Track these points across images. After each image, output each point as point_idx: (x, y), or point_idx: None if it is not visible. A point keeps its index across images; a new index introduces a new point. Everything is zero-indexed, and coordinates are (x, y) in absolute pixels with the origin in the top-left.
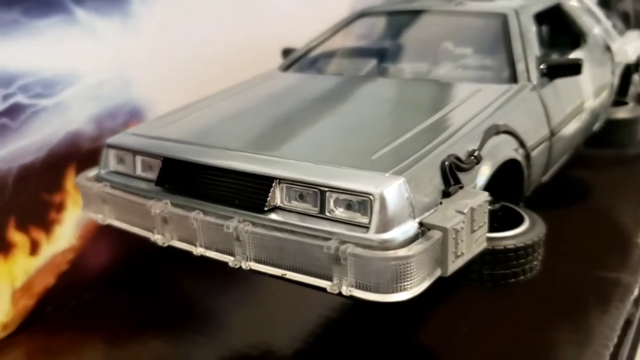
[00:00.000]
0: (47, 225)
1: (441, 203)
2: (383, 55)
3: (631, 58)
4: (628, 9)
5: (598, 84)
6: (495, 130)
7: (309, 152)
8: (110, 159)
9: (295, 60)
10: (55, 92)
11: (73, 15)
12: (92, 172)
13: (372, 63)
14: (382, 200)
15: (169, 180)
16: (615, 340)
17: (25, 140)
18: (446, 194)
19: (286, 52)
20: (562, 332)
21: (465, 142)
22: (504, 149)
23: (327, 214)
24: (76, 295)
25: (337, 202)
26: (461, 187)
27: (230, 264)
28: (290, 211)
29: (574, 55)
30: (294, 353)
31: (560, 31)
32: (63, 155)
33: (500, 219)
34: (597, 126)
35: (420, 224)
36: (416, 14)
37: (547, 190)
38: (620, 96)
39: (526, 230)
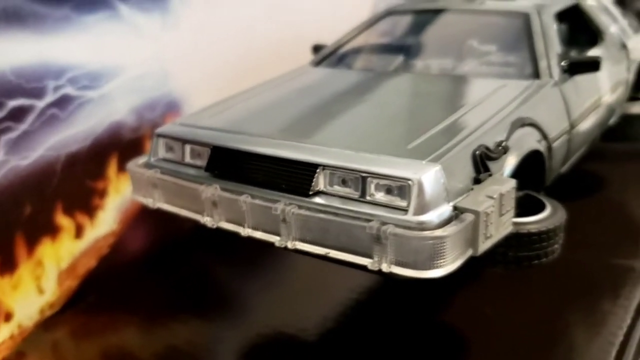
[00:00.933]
0: (90, 211)
1: (472, 189)
2: (410, 51)
3: None
4: None
5: (614, 80)
6: (521, 123)
7: (349, 141)
8: (160, 147)
9: (326, 56)
10: (100, 84)
11: (117, 12)
12: (141, 160)
13: (399, 59)
14: (420, 185)
15: (218, 167)
16: (629, 321)
17: (73, 130)
18: (477, 181)
19: (316, 48)
20: (577, 315)
21: (493, 134)
22: (529, 141)
23: (368, 197)
24: (115, 278)
25: (377, 187)
26: (490, 175)
27: (277, 244)
28: (333, 195)
29: (592, 52)
30: (322, 334)
31: (579, 29)
32: (106, 144)
33: (524, 206)
34: (613, 120)
35: (454, 207)
36: (441, 12)
37: (564, 182)
38: (635, 92)
39: (548, 216)
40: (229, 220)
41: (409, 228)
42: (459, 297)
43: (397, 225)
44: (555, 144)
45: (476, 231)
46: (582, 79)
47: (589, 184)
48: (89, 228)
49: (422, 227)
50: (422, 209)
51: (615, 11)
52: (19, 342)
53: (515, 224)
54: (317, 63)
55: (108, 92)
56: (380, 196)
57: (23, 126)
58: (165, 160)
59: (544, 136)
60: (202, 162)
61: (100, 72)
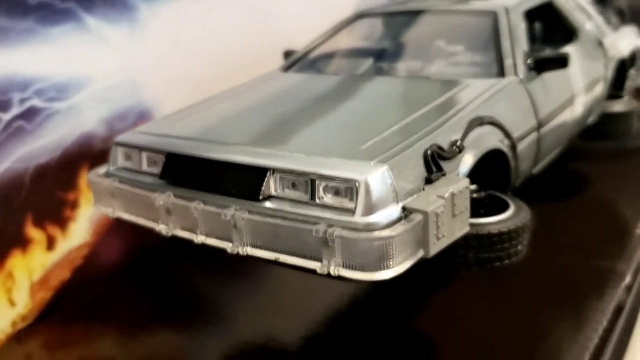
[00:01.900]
0: (62, 222)
1: (424, 189)
2: (379, 54)
3: (624, 53)
4: (623, 5)
5: (590, 78)
6: (479, 122)
7: (303, 145)
8: (119, 156)
9: (295, 61)
10: (68, 95)
11: (84, 23)
12: (102, 170)
13: (369, 62)
14: (367, 186)
15: (172, 174)
16: (605, 324)
17: (41, 142)
18: (429, 181)
19: (287, 54)
20: (557, 317)
21: (449, 133)
22: (489, 140)
23: (317, 200)
24: (91, 289)
25: (326, 190)
26: (444, 175)
27: (229, 250)
28: (283, 199)
29: (565, 50)
30: (300, 340)
31: (554, 27)
32: (76, 155)
33: (488, 207)
34: (592, 119)
35: (404, 208)
36: (412, 14)
37: (545, 183)
38: (616, 90)
39: (510, 217)
40: (183, 228)
41: (356, 230)
42: (430, 301)
43: (344, 228)
44: (520, 144)
45: (426, 232)
46: (553, 77)
47: (573, 184)
48: (61, 240)
49: (369, 228)
50: (369, 210)
51: (591, 9)
52: None
53: (475, 225)
54: (287, 68)
55: (77, 104)
56: (329, 199)
57: None
58: (124, 169)
59: (507, 135)
60: (158, 170)
61: (68, 83)
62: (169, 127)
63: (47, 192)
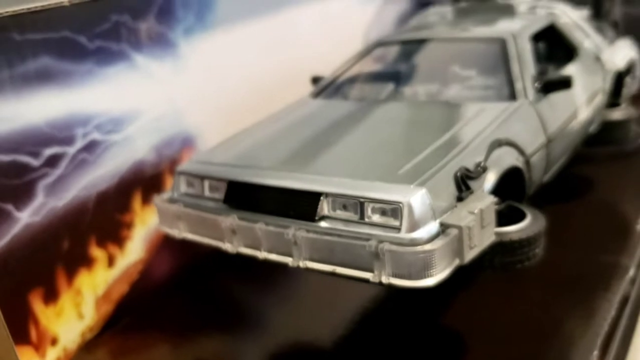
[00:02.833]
0: (120, 241)
1: (456, 206)
2: (399, 80)
3: (620, 65)
4: (617, 17)
5: (590, 91)
6: (498, 144)
7: (346, 169)
8: (181, 184)
9: (323, 87)
10: (123, 128)
11: (134, 62)
12: (165, 195)
13: (389, 88)
14: (410, 207)
15: (234, 199)
16: (613, 314)
17: (101, 171)
18: (460, 199)
19: (315, 80)
20: (568, 309)
21: (473, 155)
22: (506, 159)
23: (366, 219)
24: (146, 301)
25: (373, 210)
26: (472, 193)
27: (290, 264)
28: (336, 219)
29: (567, 68)
30: (335, 341)
31: (556, 46)
32: (131, 181)
33: (507, 216)
34: (593, 128)
35: (441, 223)
36: (425, 41)
37: (553, 186)
38: (614, 99)
39: (528, 225)
40: (247, 246)
41: (402, 244)
42: (456, 300)
43: (392, 243)
44: (533, 159)
45: (461, 243)
46: (558, 95)
47: (577, 186)
48: (120, 257)
49: (413, 242)
50: (412, 227)
51: (588, 27)
52: None
53: (499, 233)
54: (316, 95)
55: (130, 134)
56: (376, 218)
57: (58, 171)
58: (187, 194)
59: (521, 153)
60: (219, 195)
61: (122, 117)
62: (224, 156)
63: (107, 215)
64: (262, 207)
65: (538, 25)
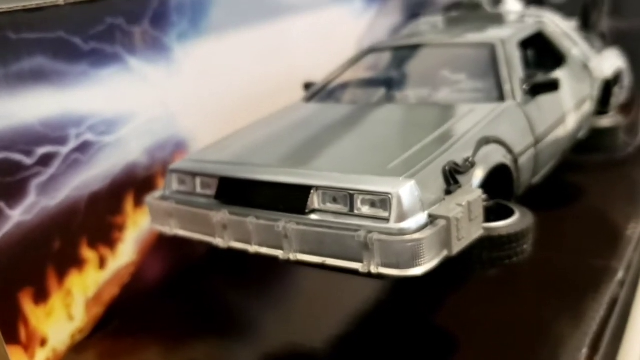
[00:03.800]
0: (112, 243)
1: (444, 199)
2: (390, 84)
3: (607, 74)
4: (604, 29)
5: (578, 97)
6: (486, 141)
7: (337, 165)
8: (173, 181)
9: (315, 92)
10: (116, 129)
11: (128, 64)
12: (157, 194)
13: (381, 92)
14: (399, 198)
15: (226, 195)
16: (602, 315)
17: (94, 171)
18: (448, 192)
19: (307, 86)
20: (558, 311)
21: (461, 151)
22: (494, 156)
23: (356, 211)
24: (137, 303)
25: (363, 202)
26: (460, 187)
27: (280, 257)
28: (326, 212)
29: (556, 74)
30: (327, 342)
31: (544, 54)
32: (123, 182)
33: (496, 213)
34: (582, 134)
35: (429, 215)
36: (417, 47)
37: (544, 193)
38: (602, 107)
39: (516, 221)
40: (237, 240)
41: (391, 234)
42: (447, 299)
43: (381, 232)
44: (521, 158)
45: (449, 234)
46: (546, 99)
47: (569, 194)
48: (111, 259)
49: (402, 232)
50: (401, 217)
51: (576, 36)
52: None
53: (487, 228)
54: (308, 99)
55: (123, 136)
56: (365, 209)
57: (50, 170)
58: (178, 192)
59: (509, 151)
60: (211, 192)
61: (116, 118)
62: (216, 154)
63: (99, 216)
64: (253, 202)
65: (526, 32)
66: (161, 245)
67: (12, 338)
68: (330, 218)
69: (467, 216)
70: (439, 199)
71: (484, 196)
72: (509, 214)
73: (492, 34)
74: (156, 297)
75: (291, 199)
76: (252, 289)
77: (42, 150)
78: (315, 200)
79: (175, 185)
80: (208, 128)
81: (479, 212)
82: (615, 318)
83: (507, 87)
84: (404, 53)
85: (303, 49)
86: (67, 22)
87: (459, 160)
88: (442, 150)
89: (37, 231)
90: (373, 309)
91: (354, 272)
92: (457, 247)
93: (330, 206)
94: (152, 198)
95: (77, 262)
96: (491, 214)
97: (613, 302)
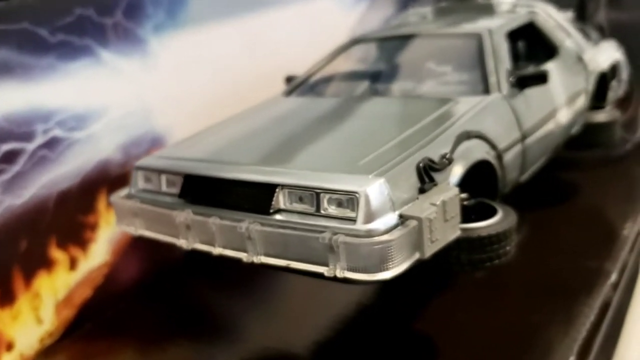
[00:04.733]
0: (83, 243)
1: (418, 198)
2: (374, 77)
3: (603, 66)
4: (602, 21)
5: (571, 91)
6: (467, 136)
7: (307, 162)
8: (139, 179)
9: (296, 86)
10: (86, 125)
11: (99, 58)
12: (123, 192)
13: (365, 84)
14: (366, 197)
15: (190, 193)
16: (593, 319)
17: (63, 169)
18: (422, 191)
19: (289, 79)
20: (549, 314)
21: (439, 147)
22: (476, 152)
23: (322, 211)
24: (111, 306)
25: (329, 201)
26: (435, 185)
27: (244, 260)
28: (291, 212)
29: (547, 66)
30: (308, 347)
31: (536, 45)
32: (95, 180)
33: (478, 213)
34: (575, 129)
35: (400, 215)
36: (403, 38)
37: (537, 191)
38: (598, 101)
39: (499, 221)
40: (202, 242)
41: (358, 236)
42: (431, 304)
43: (347, 234)
44: (506, 154)
45: (421, 236)
46: (535, 92)
47: (563, 192)
48: (83, 260)
49: (369, 234)
50: (369, 218)
51: (570, 27)
52: None
53: (466, 229)
54: (288, 93)
55: (94, 132)
56: (332, 209)
57: (16, 167)
58: (144, 190)
59: (493, 147)
60: (176, 190)
61: (86, 113)
62: (184, 151)
63: (69, 215)
64: (218, 202)
65: (516, 22)
66: (136, 246)
67: None
68: (295, 219)
69: (441, 216)
70: (411, 199)
71: (464, 195)
72: (492, 213)
73: (480, 24)
74: (131, 299)
75: (256, 198)
76: (231, 291)
77: (6, 147)
78: (280, 200)
79: (141, 183)
80: (186, 123)
81: (455, 212)
82: (608, 323)
83: (492, 79)
84: (389, 44)
85: (289, 43)
86: (32, 13)
87: (435, 156)
88: (418, 146)
89: (2, 231)
90: (355, 313)
91: (319, 276)
92: (430, 249)
93: (296, 206)
94: (117, 197)
95: (46, 263)
96: (473, 214)
97: (605, 306)
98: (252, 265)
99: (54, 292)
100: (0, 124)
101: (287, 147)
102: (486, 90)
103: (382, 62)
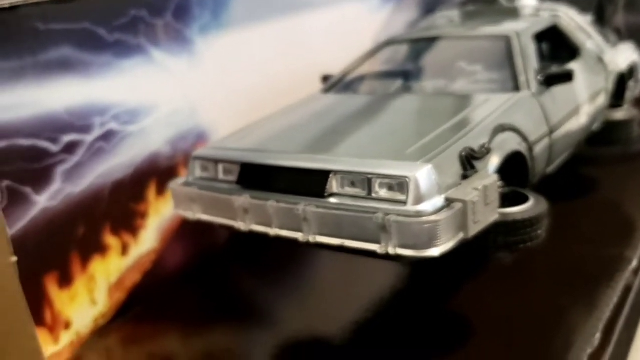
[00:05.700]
0: (134, 230)
1: (461, 183)
2: (407, 75)
3: (622, 67)
4: (620, 24)
5: (593, 90)
6: (502, 129)
7: (355, 151)
8: (196, 168)
9: (334, 84)
10: (139, 120)
11: (151, 56)
12: (180, 180)
13: (398, 83)
14: (416, 181)
15: (247, 180)
16: (616, 301)
17: (117, 160)
18: (465, 177)
19: (325, 78)
20: (573, 298)
21: (478, 138)
22: (510, 143)
23: (373, 195)
24: (158, 290)
25: (381, 185)
26: (476, 172)
27: (300, 239)
28: (344, 195)
29: (570, 66)
30: (344, 330)
31: (559, 47)
32: (146, 171)
33: (511, 201)
34: (596, 126)
35: (446, 198)
36: (433, 40)
37: (558, 185)
38: (617, 100)
39: (531, 207)
40: (258, 224)
41: (409, 216)
42: (463, 286)
43: (398, 214)
44: (536, 147)
45: (465, 217)
46: (560, 90)
47: (583, 186)
48: (134, 246)
49: (419, 214)
50: (418, 200)
51: (590, 29)
52: (78, 348)
53: (502, 214)
54: (327, 90)
55: (146, 127)
56: (383, 193)
57: (75, 158)
58: (201, 178)
59: (524, 139)
60: (233, 178)
61: (139, 109)
62: (237, 142)
63: (122, 204)
64: (274, 187)
65: (541, 25)
66: (182, 233)
67: (38, 320)
68: (348, 201)
69: (482, 200)
70: (455, 184)
71: (500, 182)
72: (523, 201)
73: (508, 26)
74: (177, 284)
75: (310, 183)
76: (270, 276)
77: (67, 138)
78: (333, 185)
79: (198, 172)
80: (228, 120)
81: (494, 197)
82: (630, 305)
83: (522, 78)
84: (421, 45)
85: (321, 44)
86: (92, 14)
87: (475, 146)
88: (458, 137)
89: (62, 217)
90: (389, 295)
91: (372, 254)
92: (473, 230)
93: (348, 190)
94: (175, 184)
95: (101, 248)
96: (506, 201)
97: (627, 290)
98: (307, 244)
99: (107, 276)
100: (62, 117)
101: (334, 137)
102: (516, 88)
103: (414, 62)
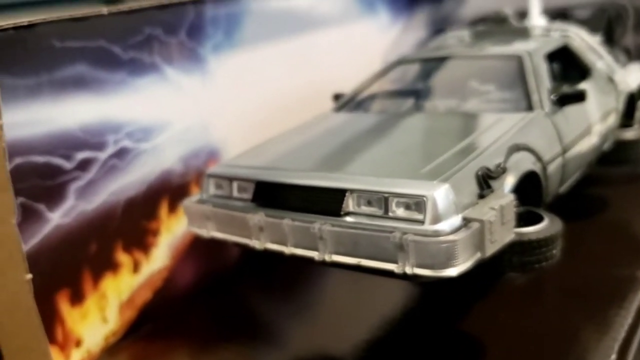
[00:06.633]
0: (146, 248)
1: (478, 203)
2: (419, 94)
3: (632, 87)
4: (629, 44)
5: (604, 109)
6: (516, 148)
7: (371, 169)
8: (210, 186)
9: (345, 102)
10: (152, 137)
11: (164, 74)
12: (194, 198)
13: (410, 101)
14: (433, 200)
15: (262, 198)
16: (630, 321)
17: (130, 177)
18: (481, 196)
19: (337, 97)
20: (585, 318)
21: (493, 157)
22: (525, 163)
23: (390, 214)
24: (169, 308)
25: (397, 204)
26: (492, 191)
27: (316, 258)
28: (360, 214)
29: (581, 86)
30: (354, 349)
31: (570, 67)
32: (158, 189)
33: (526, 220)
34: (606, 146)
35: (463, 218)
36: (445, 59)
37: (569, 206)
38: (627, 120)
39: (546, 227)
40: (273, 242)
41: (426, 235)
42: (475, 306)
43: (416, 234)
44: (549, 166)
45: (482, 236)
46: (572, 109)
47: (593, 206)
48: (145, 264)
49: (436, 234)
50: (435, 219)
51: (601, 49)
52: None
53: (518, 233)
54: (338, 109)
55: (159, 144)
56: (400, 212)
57: (89, 175)
58: (215, 196)
59: (539, 159)
60: (247, 195)
61: (152, 126)
62: (251, 160)
63: (135, 221)
64: (289, 205)
65: (552, 45)
66: (193, 252)
67: (49, 338)
68: (365, 220)
69: (499, 220)
70: (472, 203)
71: (515, 202)
72: (537, 221)
73: (519, 46)
74: (188, 303)
75: (326, 201)
76: (281, 294)
77: (81, 155)
78: (350, 203)
79: (212, 190)
80: (239, 138)
81: (511, 217)
82: None
83: (535, 97)
84: (432, 65)
85: (331, 62)
86: (108, 32)
87: (491, 165)
88: (474, 156)
89: (75, 234)
90: (401, 314)
91: (389, 274)
92: (490, 249)
93: (364, 209)
94: (189, 202)
95: (112, 266)
96: (521, 221)
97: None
98: (323, 263)
99: (118, 294)
100: (77, 134)
101: (348, 156)
102: (530, 108)
103: (425, 82)
